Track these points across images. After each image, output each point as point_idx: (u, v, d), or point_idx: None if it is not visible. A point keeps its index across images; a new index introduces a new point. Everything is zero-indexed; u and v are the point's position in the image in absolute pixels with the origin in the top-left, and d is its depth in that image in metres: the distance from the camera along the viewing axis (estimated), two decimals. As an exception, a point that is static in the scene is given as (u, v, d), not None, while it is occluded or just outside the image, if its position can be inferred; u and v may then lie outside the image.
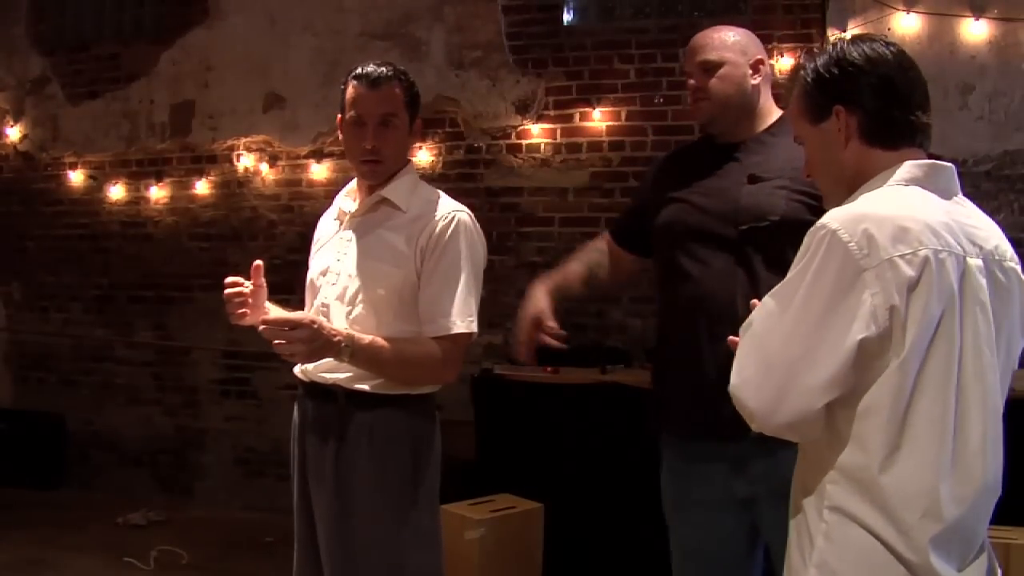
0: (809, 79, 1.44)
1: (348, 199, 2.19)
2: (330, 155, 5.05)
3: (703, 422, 2.01)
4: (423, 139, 4.85)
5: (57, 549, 4.23)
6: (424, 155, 4.85)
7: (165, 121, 5.33)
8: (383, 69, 2.06)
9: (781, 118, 2.10)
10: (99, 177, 5.49)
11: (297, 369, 2.15)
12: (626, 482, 3.59)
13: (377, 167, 2.07)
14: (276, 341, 1.84)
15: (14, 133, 5.78)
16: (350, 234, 2.12)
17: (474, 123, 4.77)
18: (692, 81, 2.13)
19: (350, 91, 2.06)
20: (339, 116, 2.13)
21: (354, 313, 2.04)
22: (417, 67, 4.85)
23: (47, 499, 5.10)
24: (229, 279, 2.06)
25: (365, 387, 2.02)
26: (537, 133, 4.65)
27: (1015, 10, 3.94)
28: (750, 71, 2.09)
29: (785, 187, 1.97)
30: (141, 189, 5.34)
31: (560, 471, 3.76)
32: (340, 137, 2.16)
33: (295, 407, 2.19)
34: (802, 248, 1.35)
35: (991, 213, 1.47)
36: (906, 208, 1.32)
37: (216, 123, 5.18)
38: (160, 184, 5.28)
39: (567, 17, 4.77)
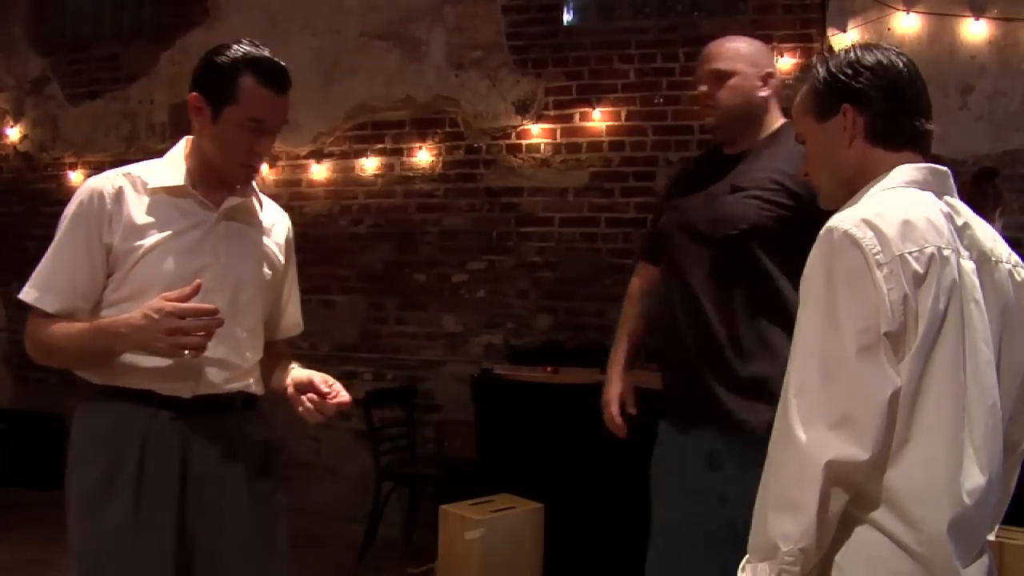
0: (821, 78, 1.49)
1: (189, 188, 1.87)
2: (330, 155, 5.05)
3: (679, 413, 2.19)
4: (423, 139, 4.86)
5: (57, 549, 4.17)
6: (424, 155, 4.85)
7: (165, 121, 5.34)
8: (284, 66, 1.85)
9: (783, 126, 2.17)
10: (99, 177, 5.49)
11: (170, 388, 1.82)
12: (626, 482, 3.58)
13: (254, 173, 1.94)
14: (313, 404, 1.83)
15: (14, 133, 5.78)
16: (221, 232, 1.89)
17: (474, 123, 4.77)
18: (703, 88, 2.18)
19: (251, 86, 1.80)
20: (197, 94, 1.83)
21: (250, 322, 1.94)
22: (417, 67, 4.86)
23: (47, 499, 5.06)
24: (197, 305, 1.72)
25: (256, 390, 1.97)
26: (537, 133, 4.65)
27: (1015, 10, 3.94)
28: (759, 83, 2.15)
29: (757, 196, 2.05)
30: (141, 189, 5.34)
31: (560, 471, 3.76)
32: (195, 117, 1.85)
33: (145, 430, 1.81)
34: (816, 253, 1.36)
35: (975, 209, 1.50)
36: (909, 208, 1.35)
37: (216, 123, 5.18)
38: (160, 184, 5.28)
39: (567, 17, 4.76)
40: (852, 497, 1.30)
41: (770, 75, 2.16)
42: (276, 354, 2.04)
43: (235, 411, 1.90)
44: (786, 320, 2.00)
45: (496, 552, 3.39)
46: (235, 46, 1.82)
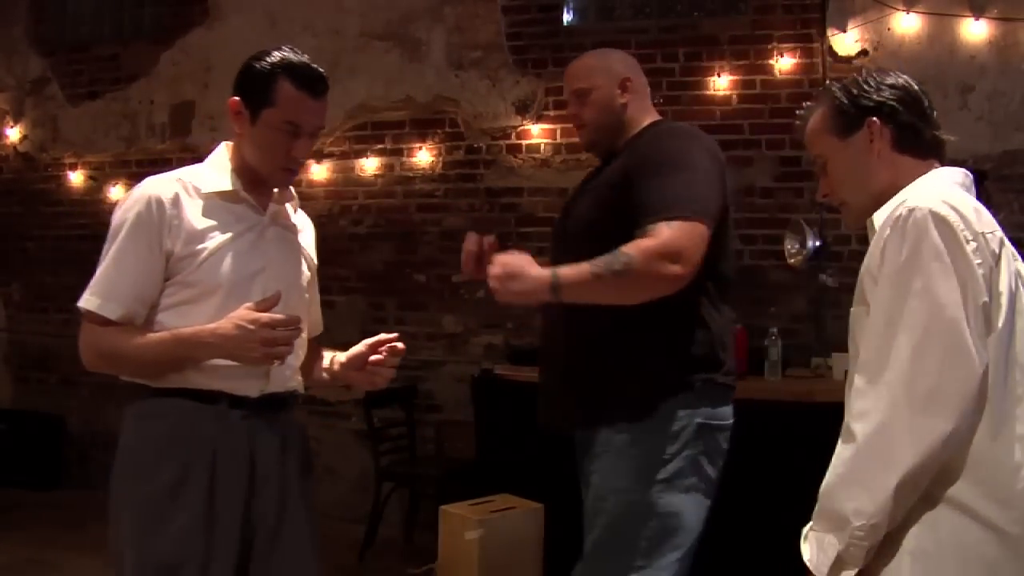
0: (841, 97, 1.55)
1: (241, 192, 1.91)
2: (330, 155, 5.05)
3: (555, 413, 2.31)
4: (423, 139, 4.86)
5: (57, 549, 4.23)
6: (424, 155, 4.85)
7: (165, 121, 5.33)
8: (321, 71, 1.90)
9: (646, 127, 2.24)
10: (99, 178, 5.49)
11: (240, 388, 1.84)
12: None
13: (293, 176, 1.96)
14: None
15: (14, 134, 5.78)
16: (270, 235, 1.93)
17: (474, 123, 4.77)
18: (571, 110, 2.29)
19: (288, 90, 1.86)
20: (237, 99, 1.90)
21: (300, 321, 1.94)
22: (417, 67, 4.86)
23: (47, 499, 5.10)
24: (288, 316, 1.80)
25: (301, 388, 2.02)
26: (537, 133, 4.66)
27: (1015, 10, 3.94)
28: (618, 90, 2.23)
29: (596, 193, 2.15)
30: (141, 189, 5.34)
31: (560, 471, 3.74)
32: (236, 121, 1.92)
33: (215, 430, 1.81)
34: (893, 236, 1.36)
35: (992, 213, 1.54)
36: (970, 201, 1.42)
37: (216, 124, 5.16)
38: (160, 184, 5.28)
39: (567, 17, 4.77)
40: (936, 477, 1.30)
41: (627, 80, 2.24)
42: (309, 351, 2.10)
43: (288, 408, 1.95)
44: (634, 316, 1.99)
45: (496, 552, 3.39)
46: (274, 52, 1.88)
